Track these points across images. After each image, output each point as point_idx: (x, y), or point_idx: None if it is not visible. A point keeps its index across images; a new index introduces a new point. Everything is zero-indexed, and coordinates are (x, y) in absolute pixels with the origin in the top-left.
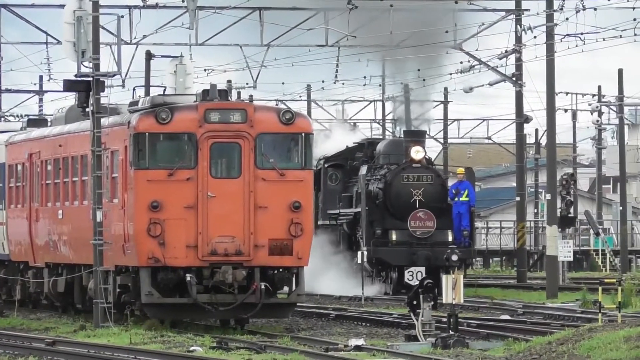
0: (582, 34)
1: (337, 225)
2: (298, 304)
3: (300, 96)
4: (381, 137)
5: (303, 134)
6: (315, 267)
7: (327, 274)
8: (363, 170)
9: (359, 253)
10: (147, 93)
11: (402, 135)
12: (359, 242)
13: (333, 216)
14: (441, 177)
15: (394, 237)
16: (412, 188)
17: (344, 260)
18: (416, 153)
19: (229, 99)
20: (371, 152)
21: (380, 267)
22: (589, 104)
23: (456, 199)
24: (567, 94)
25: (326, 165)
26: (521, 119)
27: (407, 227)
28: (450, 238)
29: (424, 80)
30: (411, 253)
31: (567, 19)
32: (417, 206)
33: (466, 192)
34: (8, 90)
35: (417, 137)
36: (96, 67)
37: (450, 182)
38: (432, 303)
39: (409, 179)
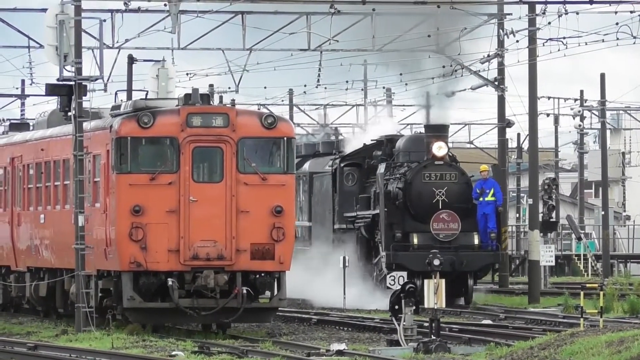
0: (564, 38)
1: (354, 230)
2: (280, 309)
3: (282, 100)
4: (401, 134)
5: (285, 139)
6: (330, 276)
7: (342, 285)
8: (381, 168)
9: (341, 257)
10: (129, 97)
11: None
12: (378, 247)
13: (350, 219)
14: (466, 175)
15: (415, 240)
16: (435, 187)
17: (361, 267)
18: (438, 149)
19: (211, 103)
20: (390, 150)
21: None
22: (571, 109)
23: (481, 199)
24: (549, 98)
25: (342, 165)
26: (503, 124)
27: (429, 230)
28: (476, 241)
29: (406, 84)
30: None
31: (549, 23)
32: (440, 207)
33: (492, 191)
34: None
35: (439, 132)
36: (78, 71)
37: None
38: (414, 307)
39: (431, 177)
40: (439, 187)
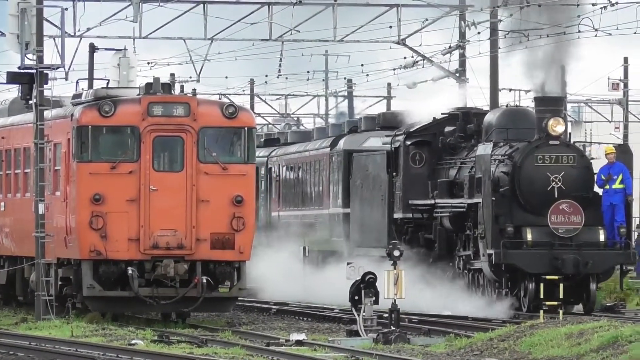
0: (525, 30)
1: (428, 220)
2: (239, 298)
3: (243, 90)
4: (473, 107)
5: (246, 128)
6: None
7: (417, 284)
8: (484, 149)
9: (301, 248)
10: (90, 86)
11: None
12: (468, 242)
13: (422, 208)
14: (586, 158)
15: (529, 236)
16: (549, 172)
17: (439, 266)
18: (556, 126)
19: (172, 92)
20: (477, 126)
21: (508, 275)
22: (532, 101)
23: (607, 187)
24: (510, 90)
25: (408, 143)
26: None
27: (545, 224)
28: (602, 237)
29: (367, 75)
30: (553, 257)
31: (511, 15)
32: (556, 196)
33: (620, 177)
34: None
35: (555, 105)
36: (40, 59)
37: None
38: (374, 299)
39: (545, 160)
40: (554, 171)
